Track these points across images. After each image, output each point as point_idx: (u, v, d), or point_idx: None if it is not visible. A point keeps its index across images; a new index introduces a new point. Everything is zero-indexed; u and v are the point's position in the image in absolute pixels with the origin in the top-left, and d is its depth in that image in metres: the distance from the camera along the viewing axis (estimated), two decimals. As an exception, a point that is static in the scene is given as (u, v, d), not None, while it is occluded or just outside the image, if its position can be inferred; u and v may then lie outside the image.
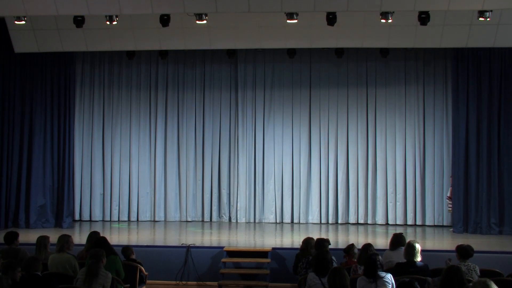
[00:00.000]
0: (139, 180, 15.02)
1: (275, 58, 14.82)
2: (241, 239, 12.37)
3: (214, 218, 14.93)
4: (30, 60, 14.04)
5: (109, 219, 14.93)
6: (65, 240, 7.70)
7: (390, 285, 6.28)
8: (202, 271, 10.67)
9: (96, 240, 8.00)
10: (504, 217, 13.11)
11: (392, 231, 12.53)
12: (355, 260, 7.94)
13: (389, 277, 6.33)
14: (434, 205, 14.26)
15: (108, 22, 11.40)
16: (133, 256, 8.59)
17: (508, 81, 13.30)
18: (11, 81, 14.04)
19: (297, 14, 10.94)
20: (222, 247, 10.89)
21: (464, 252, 7.23)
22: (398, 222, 14.31)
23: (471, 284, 5.29)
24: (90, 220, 14.90)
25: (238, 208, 14.85)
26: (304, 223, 14.56)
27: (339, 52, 13.91)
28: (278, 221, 14.71)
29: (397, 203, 14.41)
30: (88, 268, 6.66)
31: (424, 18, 11.19)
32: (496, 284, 4.95)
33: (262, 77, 14.99)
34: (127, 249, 8.63)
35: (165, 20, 11.41)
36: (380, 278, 6.28)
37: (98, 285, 6.56)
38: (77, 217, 14.89)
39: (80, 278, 6.69)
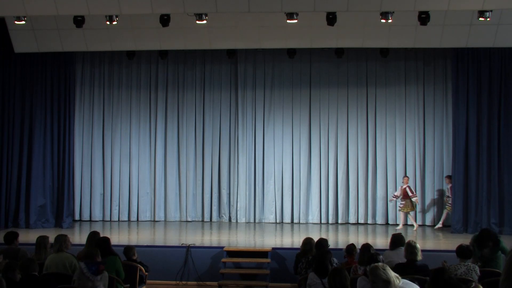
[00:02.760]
0: (139, 180, 15.03)
1: (275, 58, 14.82)
2: (241, 239, 12.37)
3: (214, 218, 14.95)
4: (30, 60, 14.05)
5: (109, 219, 14.95)
6: (62, 240, 7.70)
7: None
8: (202, 271, 10.67)
9: (97, 240, 8.00)
10: (504, 217, 13.12)
11: (392, 231, 12.56)
12: (356, 260, 7.93)
13: None
14: (434, 205, 14.27)
15: (108, 22, 11.41)
16: (135, 257, 8.59)
17: (508, 81, 13.31)
18: (11, 81, 14.06)
19: (297, 14, 10.94)
20: (222, 247, 10.90)
21: (463, 252, 7.22)
22: (398, 222, 14.29)
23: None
24: (90, 220, 14.91)
25: (238, 208, 14.86)
26: (304, 223, 14.56)
27: (339, 52, 13.92)
28: (278, 221, 14.72)
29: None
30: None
31: (424, 18, 11.20)
32: (496, 285, 4.93)
33: (262, 77, 15.00)
34: (129, 250, 8.63)
35: (165, 20, 11.41)
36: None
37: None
38: (77, 217, 14.90)
39: (76, 280, 6.68)
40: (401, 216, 13.86)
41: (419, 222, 14.31)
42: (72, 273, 7.20)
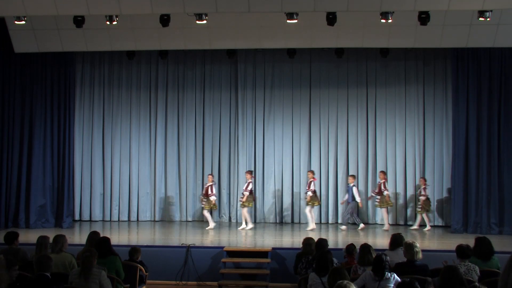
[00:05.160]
0: (139, 180, 15.03)
1: (275, 58, 14.83)
2: (241, 239, 12.37)
3: (214, 218, 14.92)
4: (30, 60, 14.04)
5: (109, 219, 14.95)
6: (63, 240, 7.72)
7: (392, 286, 6.29)
8: (202, 271, 10.67)
9: (98, 240, 8.00)
10: (504, 217, 13.11)
11: (392, 231, 12.54)
12: (356, 260, 7.93)
13: (394, 277, 6.33)
14: (434, 205, 14.27)
15: (108, 22, 11.41)
16: (139, 259, 8.59)
17: (508, 81, 13.30)
18: (11, 81, 14.05)
19: (297, 14, 10.95)
20: (222, 247, 10.90)
21: (462, 252, 7.22)
22: (398, 222, 14.30)
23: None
24: (90, 220, 14.92)
25: (238, 208, 14.86)
26: (304, 223, 14.54)
27: (339, 52, 13.93)
28: (278, 221, 14.71)
29: (397, 203, 14.41)
30: (82, 262, 6.67)
31: (424, 18, 11.20)
32: (496, 285, 4.93)
33: (262, 77, 15.01)
34: (135, 252, 8.63)
35: (165, 20, 11.41)
36: (385, 279, 6.29)
37: (94, 284, 6.55)
38: (77, 217, 14.91)
39: (74, 281, 6.67)
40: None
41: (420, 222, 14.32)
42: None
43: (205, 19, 11.19)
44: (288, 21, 11.06)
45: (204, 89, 15.12)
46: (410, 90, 14.59)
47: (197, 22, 11.25)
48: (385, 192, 13.49)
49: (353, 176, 13.78)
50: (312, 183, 13.45)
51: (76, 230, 13.83)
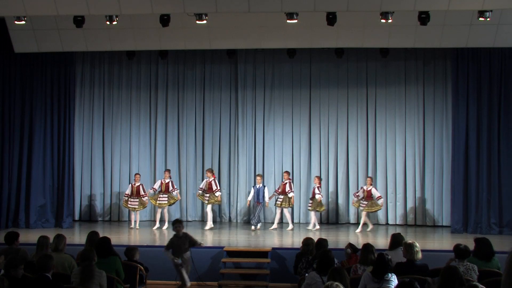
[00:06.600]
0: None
1: (275, 58, 14.83)
2: (241, 239, 12.37)
3: (215, 217, 14.93)
4: (30, 60, 14.04)
5: (109, 219, 14.95)
6: (63, 240, 7.73)
7: (392, 287, 6.28)
8: (202, 271, 10.67)
9: (98, 240, 8.00)
10: (504, 217, 13.12)
11: (392, 231, 12.55)
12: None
13: (394, 278, 6.32)
14: (434, 205, 14.28)
15: (108, 22, 11.42)
16: (136, 258, 8.58)
17: (508, 81, 13.30)
18: (11, 81, 14.05)
19: (297, 14, 10.95)
20: (222, 247, 10.90)
21: (461, 252, 7.22)
22: (398, 222, 14.32)
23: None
24: (90, 220, 14.92)
25: (238, 208, 14.86)
26: (304, 223, 14.55)
27: (339, 52, 13.93)
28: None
29: (397, 203, 14.42)
30: (82, 270, 6.61)
31: (424, 18, 11.21)
32: (495, 284, 4.95)
33: (262, 77, 15.01)
34: (131, 251, 8.63)
35: (165, 20, 11.42)
36: (385, 280, 6.27)
37: (94, 285, 6.54)
38: (77, 217, 14.90)
39: (75, 281, 6.67)
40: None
41: (419, 222, 14.31)
42: (71, 273, 7.19)
43: (205, 19, 11.19)
44: (288, 21, 11.06)
45: (204, 89, 15.13)
46: (410, 90, 14.58)
47: (197, 22, 11.26)
48: (290, 194, 13.46)
49: (260, 175, 13.79)
50: (213, 182, 13.50)
51: (76, 230, 13.83)
